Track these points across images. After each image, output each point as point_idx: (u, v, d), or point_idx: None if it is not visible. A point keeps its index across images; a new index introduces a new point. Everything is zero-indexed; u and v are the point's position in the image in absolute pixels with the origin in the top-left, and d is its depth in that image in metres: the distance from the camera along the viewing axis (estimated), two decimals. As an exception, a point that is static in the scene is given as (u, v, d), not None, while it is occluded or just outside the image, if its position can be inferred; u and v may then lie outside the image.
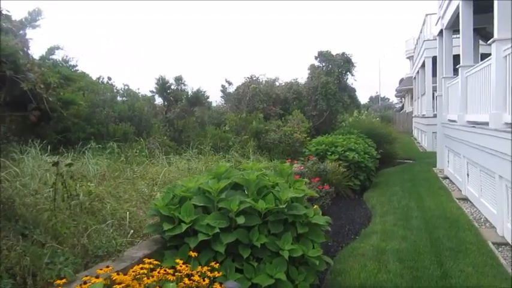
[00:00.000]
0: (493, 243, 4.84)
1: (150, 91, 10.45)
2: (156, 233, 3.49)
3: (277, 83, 13.36)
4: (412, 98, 29.65)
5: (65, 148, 7.59)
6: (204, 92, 9.80)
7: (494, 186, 5.52)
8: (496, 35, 5.14)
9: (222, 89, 12.14)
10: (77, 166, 6.48)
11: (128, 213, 4.37)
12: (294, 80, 13.56)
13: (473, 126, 6.33)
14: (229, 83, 12.16)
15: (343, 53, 12.58)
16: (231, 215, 3.19)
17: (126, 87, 9.75)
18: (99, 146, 7.75)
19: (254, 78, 12.13)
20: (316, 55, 12.58)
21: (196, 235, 3.16)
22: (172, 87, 9.72)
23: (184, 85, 9.81)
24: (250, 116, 9.91)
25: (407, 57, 38.73)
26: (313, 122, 12.05)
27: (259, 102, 11.28)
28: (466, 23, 7.75)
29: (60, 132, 7.53)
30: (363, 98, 58.50)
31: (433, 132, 15.46)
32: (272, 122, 9.94)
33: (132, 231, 3.99)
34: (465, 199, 7.28)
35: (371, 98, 60.89)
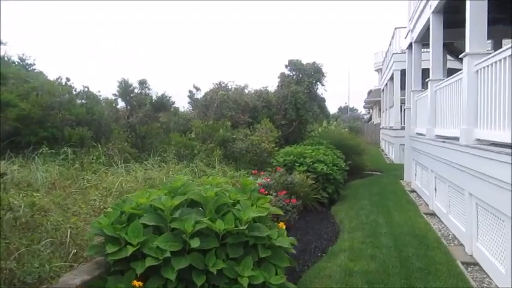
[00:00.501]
0: (462, 263, 4.68)
1: (113, 94, 9.94)
2: (99, 255, 3.08)
3: (246, 91, 13.08)
4: (380, 109, 30.13)
5: (13, 153, 7.01)
6: (170, 97, 9.39)
7: (463, 203, 5.39)
8: (467, 49, 5.04)
9: (189, 94, 11.74)
10: (23, 173, 5.95)
11: (72, 229, 3.92)
12: (263, 88, 13.32)
13: (443, 141, 6.23)
14: (197, 89, 11.77)
15: (314, 62, 12.47)
16: (184, 237, 2.82)
17: (86, 89, 9.20)
18: (52, 151, 7.21)
19: (223, 85, 11.80)
20: (287, 63, 12.39)
21: (145, 259, 2.78)
22: (135, 90, 9.24)
23: (149, 89, 9.37)
24: (217, 124, 9.55)
25: (376, 70, 39.52)
26: (282, 131, 11.81)
27: (227, 109, 10.94)
28: (436, 37, 7.73)
29: (7, 136, 6.93)
30: (332, 108, 59.26)
31: (400, 145, 15.57)
32: (240, 131, 9.62)
33: (75, 250, 3.55)
34: (432, 214, 7.18)
35: (340, 109, 61.80)
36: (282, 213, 3.67)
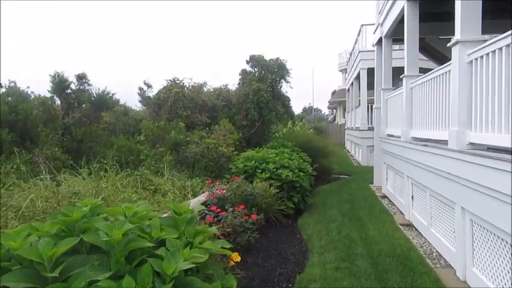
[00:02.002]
0: (457, 294, 3.86)
1: (49, 91, 8.59)
2: None
3: (205, 89, 12.00)
4: (344, 110, 29.78)
5: None
6: (113, 94, 8.14)
7: (452, 218, 4.59)
8: (458, 36, 4.22)
9: (139, 92, 10.48)
10: None
11: None
12: (223, 86, 12.28)
13: (424, 145, 5.42)
14: (149, 86, 10.54)
15: (277, 58, 11.52)
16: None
17: (13, 84, 7.82)
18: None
19: (178, 82, 10.63)
20: (248, 59, 11.39)
21: None
22: (72, 86, 7.95)
23: (89, 85, 8.08)
24: (169, 125, 8.42)
25: (340, 70, 39.40)
26: (244, 133, 10.83)
27: (182, 108, 9.83)
28: (412, 28, 6.97)
29: None
30: (296, 108, 59.15)
31: (367, 146, 14.98)
32: (195, 133, 8.54)
33: None
34: (409, 225, 6.43)
35: (304, 109, 61.65)
36: (231, 253, 2.65)
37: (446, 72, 4.70)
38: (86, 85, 7.99)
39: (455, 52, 4.26)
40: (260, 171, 7.13)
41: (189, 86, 11.41)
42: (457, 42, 4.20)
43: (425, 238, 5.70)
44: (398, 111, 7.73)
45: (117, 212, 2.26)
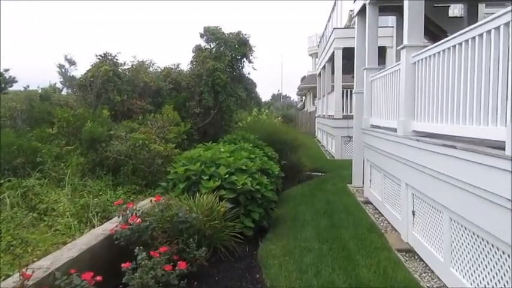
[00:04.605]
0: None
1: None
2: None
3: (151, 69, 9.82)
4: (314, 96, 28.11)
5: None
6: (6, 70, 5.88)
7: (499, 266, 2.80)
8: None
9: (60, 71, 8.16)
10: None
11: None
12: (174, 65, 10.11)
13: (447, 146, 3.58)
14: (72, 63, 8.26)
15: (239, 32, 9.47)
16: None
17: None
18: None
19: (110, 57, 8.39)
20: (202, 32, 9.26)
21: None
22: None
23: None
24: (89, 113, 6.28)
25: (310, 55, 37.79)
26: (197, 123, 8.81)
27: (115, 92, 7.66)
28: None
29: None
30: (265, 95, 57.26)
31: (342, 137, 13.28)
32: (124, 124, 6.43)
33: None
34: (410, 251, 4.72)
35: (273, 96, 59.91)
36: None
37: (487, 32, 2.82)
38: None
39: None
40: (207, 177, 5.15)
41: (131, 64, 9.22)
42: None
43: (438, 278, 3.96)
44: (391, 96, 5.91)
45: None
